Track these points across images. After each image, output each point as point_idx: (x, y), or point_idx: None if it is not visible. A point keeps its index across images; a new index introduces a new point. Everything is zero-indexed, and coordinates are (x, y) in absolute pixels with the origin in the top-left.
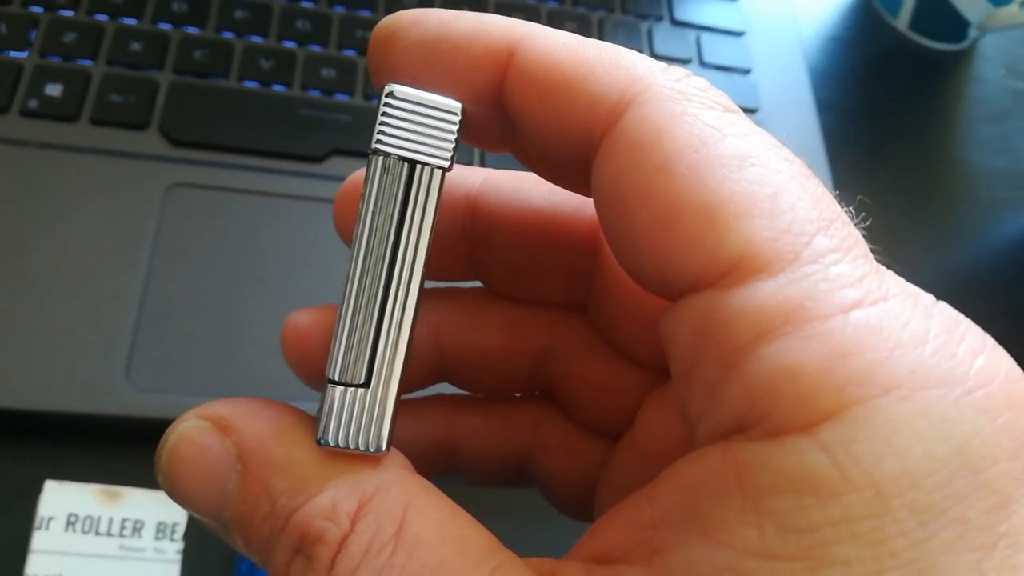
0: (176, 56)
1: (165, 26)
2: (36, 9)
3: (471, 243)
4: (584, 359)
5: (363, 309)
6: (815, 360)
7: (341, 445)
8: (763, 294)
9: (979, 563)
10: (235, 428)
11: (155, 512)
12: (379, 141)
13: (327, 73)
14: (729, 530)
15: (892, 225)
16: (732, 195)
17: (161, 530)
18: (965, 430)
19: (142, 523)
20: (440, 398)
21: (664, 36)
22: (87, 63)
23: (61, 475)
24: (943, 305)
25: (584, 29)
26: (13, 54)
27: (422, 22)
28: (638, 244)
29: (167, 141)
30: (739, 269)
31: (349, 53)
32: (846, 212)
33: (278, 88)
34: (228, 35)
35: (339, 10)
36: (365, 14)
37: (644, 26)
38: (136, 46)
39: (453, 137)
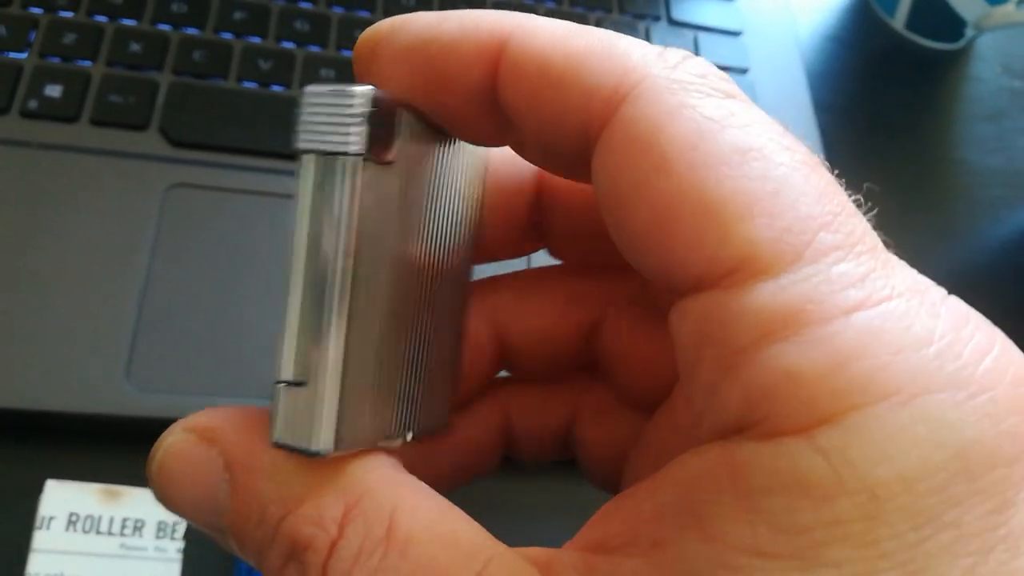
0: (175, 57)
1: (164, 27)
2: (36, 10)
3: (538, 208)
4: (630, 331)
5: (296, 308)
6: (814, 365)
7: (291, 444)
8: (764, 296)
9: (974, 567)
10: (220, 438)
11: (156, 511)
12: (297, 140)
13: (326, 74)
14: (723, 527)
15: (888, 224)
16: (732, 194)
17: (162, 529)
18: (964, 435)
19: (143, 522)
20: (492, 384)
21: (661, 36)
22: (87, 64)
23: (62, 474)
24: (952, 301)
25: None
26: (13, 55)
27: (406, 29)
28: (639, 243)
29: (167, 141)
30: (740, 270)
31: (348, 54)
32: (853, 201)
33: (277, 89)
34: (227, 36)
35: (338, 11)
36: (364, 15)
37: (641, 26)
38: (136, 47)
39: (359, 122)
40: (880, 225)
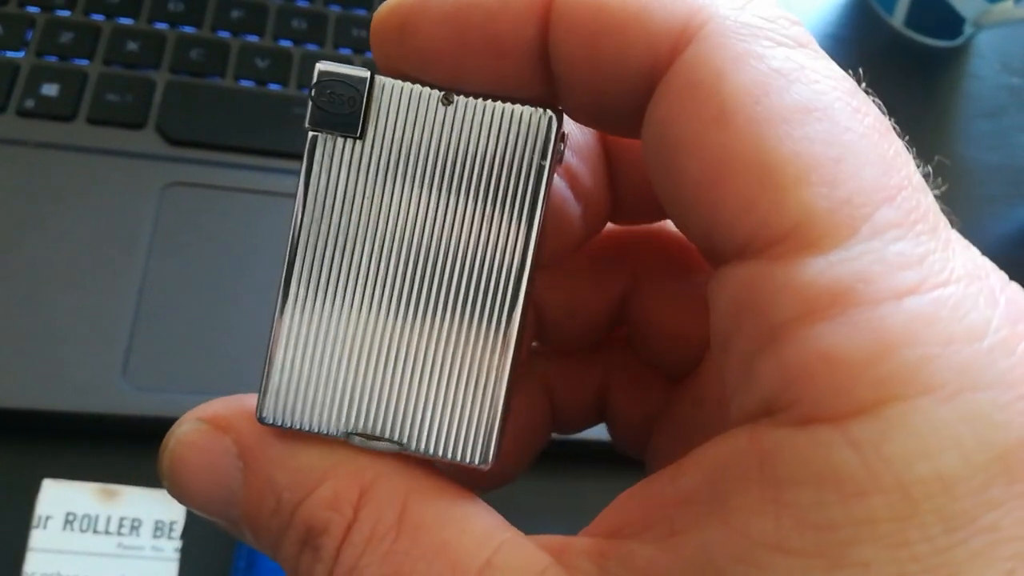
0: (172, 55)
1: (161, 26)
2: (32, 9)
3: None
4: (661, 300)
5: (279, 297)
6: (858, 350)
7: (275, 421)
8: (812, 271)
9: (1012, 573)
10: (233, 426)
11: (153, 510)
12: (306, 121)
13: None
14: (746, 518)
15: None
16: (792, 156)
17: (159, 528)
18: (1009, 437)
19: (140, 521)
20: (529, 358)
21: None
22: (84, 63)
23: (59, 474)
24: (1013, 289)
25: None
26: (9, 54)
27: (436, 0)
28: (685, 200)
29: (164, 140)
30: (790, 240)
31: (345, 51)
32: (922, 174)
33: (274, 87)
34: (224, 34)
35: (335, 9)
36: (361, 13)
37: None
38: (132, 46)
39: (355, 106)
40: None
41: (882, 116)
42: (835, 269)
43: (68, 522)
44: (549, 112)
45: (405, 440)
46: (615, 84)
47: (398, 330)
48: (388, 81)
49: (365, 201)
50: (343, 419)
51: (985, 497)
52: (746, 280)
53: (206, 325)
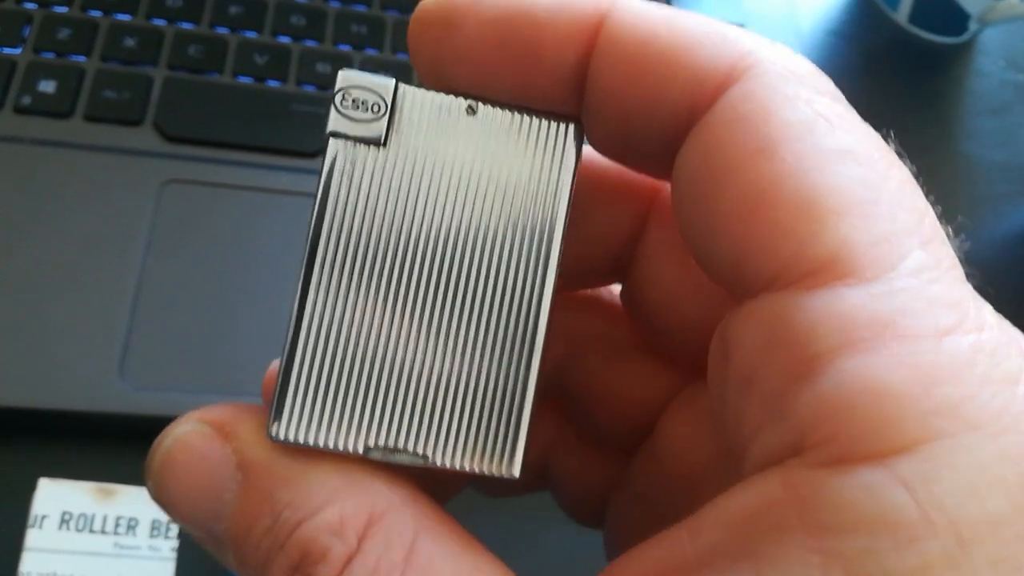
0: (170, 52)
1: (159, 22)
2: (30, 5)
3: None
4: (607, 361)
5: (295, 305)
6: (901, 383)
7: (288, 438)
8: (852, 301)
9: None
10: (238, 435)
11: (149, 510)
12: (327, 128)
13: (322, 68)
14: (788, 572)
15: None
16: (833, 190)
17: (156, 528)
18: None
19: (136, 521)
20: None
21: None
22: (81, 59)
23: (55, 473)
24: None
25: None
26: (6, 50)
27: (489, 1)
28: (719, 228)
29: (161, 137)
30: (828, 270)
31: (344, 48)
32: (945, 232)
33: (273, 84)
34: (222, 31)
35: (334, 5)
36: (360, 9)
37: None
38: (130, 42)
39: (380, 113)
40: None
41: (909, 173)
42: (876, 302)
43: (64, 521)
44: (573, 124)
45: (429, 453)
46: (654, 112)
47: (420, 341)
48: (412, 89)
49: (387, 211)
50: (361, 434)
51: None
52: (780, 310)
53: (204, 323)
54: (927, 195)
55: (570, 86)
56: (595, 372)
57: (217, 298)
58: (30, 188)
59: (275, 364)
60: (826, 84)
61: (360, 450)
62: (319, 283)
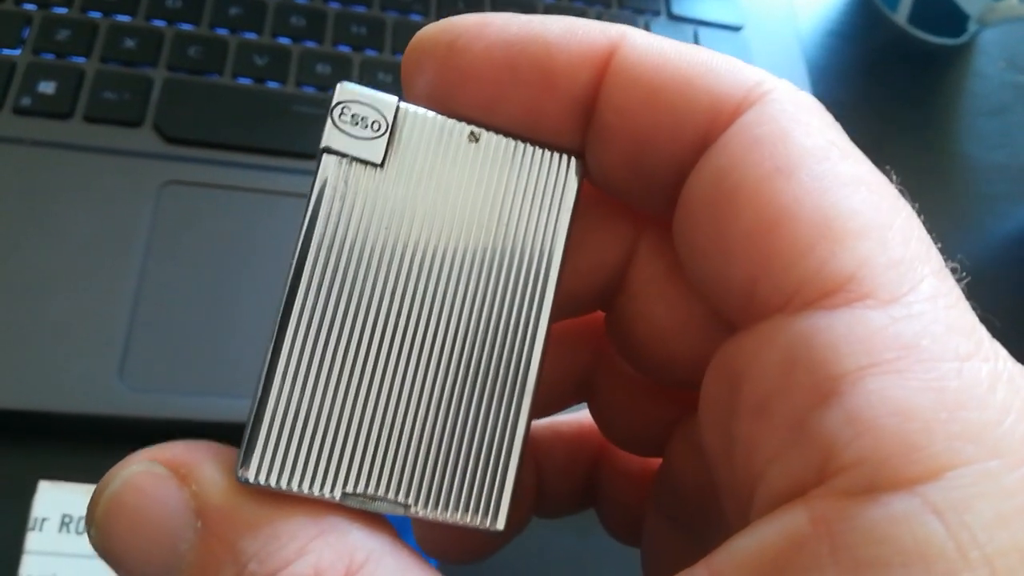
0: (170, 53)
1: (159, 23)
2: (29, 6)
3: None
4: (614, 384)
5: (273, 336)
6: (928, 407)
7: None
8: (876, 323)
9: None
10: (196, 477)
11: None
12: (321, 141)
13: (322, 69)
14: None
15: None
16: (851, 213)
17: None
18: None
19: None
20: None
21: (661, 31)
22: (81, 60)
23: (55, 475)
24: None
25: None
26: (6, 51)
27: (502, 25)
28: (733, 247)
29: (161, 138)
30: (847, 290)
31: (344, 49)
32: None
33: (272, 85)
34: (222, 32)
35: (334, 6)
36: (360, 10)
37: (641, 20)
38: (130, 43)
39: (380, 132)
40: None
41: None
42: (898, 324)
43: (64, 524)
44: (575, 158)
45: (410, 502)
46: (667, 136)
47: (405, 381)
48: (414, 109)
49: (379, 238)
50: (339, 480)
51: None
52: (800, 331)
53: (203, 325)
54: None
55: (577, 113)
56: (608, 390)
57: (217, 300)
58: (30, 189)
59: None
60: (831, 118)
61: (337, 497)
62: (301, 312)
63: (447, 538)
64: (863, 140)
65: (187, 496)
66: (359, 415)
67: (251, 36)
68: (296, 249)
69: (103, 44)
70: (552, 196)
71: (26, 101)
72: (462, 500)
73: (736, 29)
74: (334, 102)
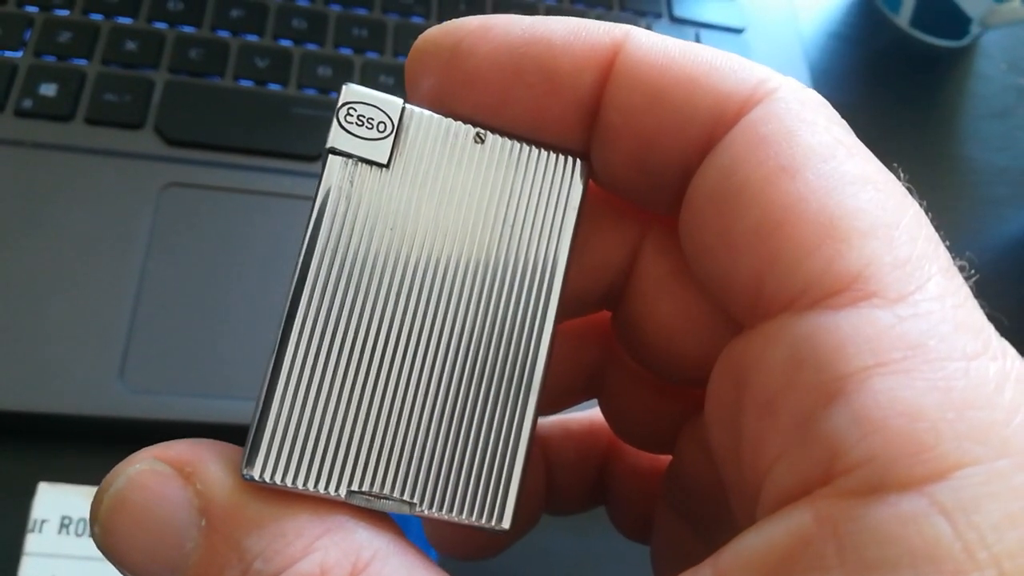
0: (171, 55)
1: (160, 25)
2: (31, 9)
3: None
4: (623, 380)
5: (279, 333)
6: (935, 406)
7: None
8: (883, 322)
9: None
10: (201, 475)
11: None
12: (327, 142)
13: (323, 72)
14: None
15: None
16: (857, 212)
17: None
18: None
19: None
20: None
21: (663, 33)
22: (82, 62)
23: (55, 477)
24: None
25: None
26: (7, 53)
27: (505, 26)
28: (739, 245)
29: (162, 140)
30: (854, 289)
31: (345, 51)
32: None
33: (274, 87)
34: (224, 34)
35: (335, 8)
36: (361, 12)
37: (643, 22)
38: (131, 45)
39: (385, 133)
40: None
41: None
42: (905, 323)
43: (64, 526)
44: (580, 160)
45: (415, 500)
46: (672, 135)
47: (411, 380)
48: (419, 110)
49: (384, 238)
50: (344, 478)
51: None
52: (806, 329)
53: (204, 327)
54: (923, 207)
55: (582, 114)
56: (619, 386)
57: (218, 301)
58: (31, 191)
59: None
60: (837, 115)
61: (342, 494)
62: (307, 310)
63: (457, 535)
64: (865, 142)
65: (191, 494)
66: (365, 413)
67: (252, 38)
68: (302, 247)
69: (104, 46)
70: (557, 197)
71: (27, 103)
72: (467, 500)
73: (738, 31)
74: (340, 103)
